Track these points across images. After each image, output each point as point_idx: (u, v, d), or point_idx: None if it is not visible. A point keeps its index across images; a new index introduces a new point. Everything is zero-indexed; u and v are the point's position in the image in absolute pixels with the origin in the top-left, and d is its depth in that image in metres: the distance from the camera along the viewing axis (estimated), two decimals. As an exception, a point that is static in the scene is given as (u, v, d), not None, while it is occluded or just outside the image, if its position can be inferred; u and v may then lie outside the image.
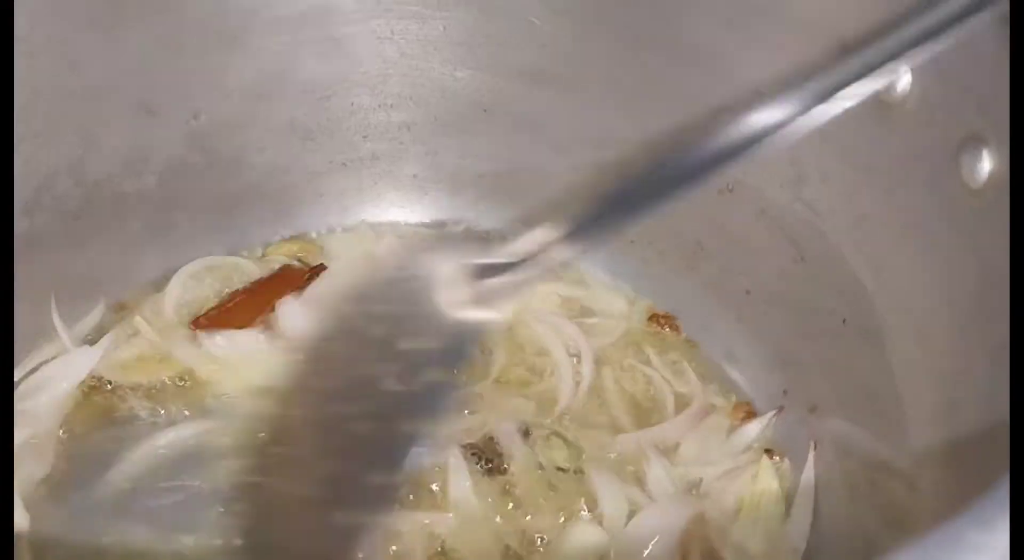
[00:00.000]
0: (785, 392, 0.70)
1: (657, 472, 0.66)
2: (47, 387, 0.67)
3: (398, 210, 0.84)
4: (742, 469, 0.67)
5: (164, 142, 0.71)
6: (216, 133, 0.73)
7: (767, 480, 0.66)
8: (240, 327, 0.72)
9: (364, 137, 0.79)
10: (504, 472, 0.66)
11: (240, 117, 0.74)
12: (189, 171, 0.74)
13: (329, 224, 0.83)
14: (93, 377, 0.69)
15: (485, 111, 0.77)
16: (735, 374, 0.74)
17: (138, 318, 0.72)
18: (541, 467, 0.67)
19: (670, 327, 0.77)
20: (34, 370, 0.68)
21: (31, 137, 0.63)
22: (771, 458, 0.68)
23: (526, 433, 0.69)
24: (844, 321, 0.62)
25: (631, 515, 0.64)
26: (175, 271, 0.76)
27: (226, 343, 0.71)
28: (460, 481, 0.64)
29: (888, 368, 0.57)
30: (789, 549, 0.63)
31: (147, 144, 0.71)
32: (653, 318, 0.78)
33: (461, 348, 0.51)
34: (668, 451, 0.69)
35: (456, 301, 0.48)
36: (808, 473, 0.65)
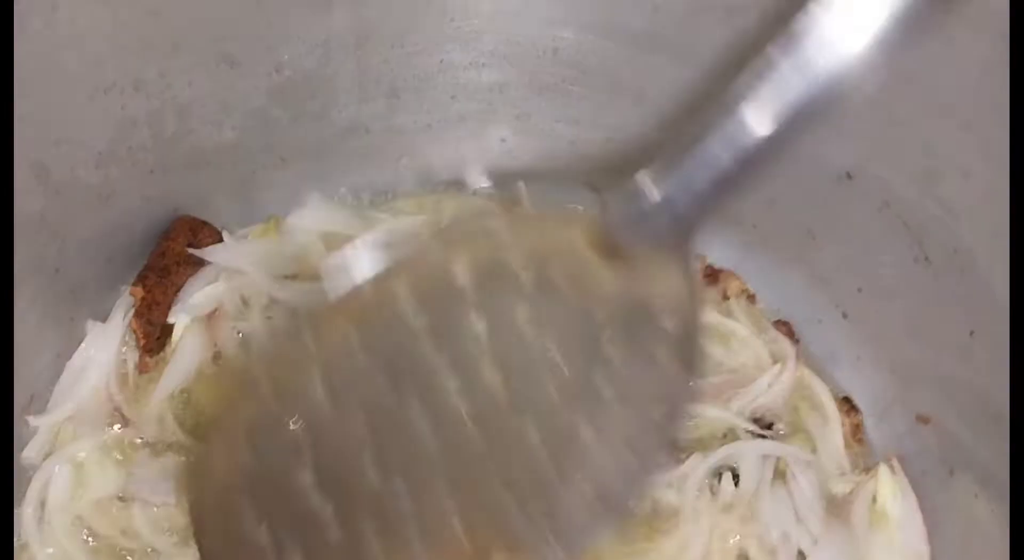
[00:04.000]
0: (892, 399, 0.65)
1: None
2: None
3: (480, 177, 0.79)
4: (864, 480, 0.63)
5: (245, 95, 0.68)
6: (298, 88, 0.69)
7: (888, 486, 0.62)
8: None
9: (452, 97, 0.74)
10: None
11: (323, 72, 0.69)
12: (270, 126, 0.70)
13: (407, 188, 0.78)
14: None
15: (584, 73, 0.71)
16: (837, 374, 0.69)
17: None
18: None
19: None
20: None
21: (108, 87, 0.59)
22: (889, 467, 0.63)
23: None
24: (972, 333, 0.56)
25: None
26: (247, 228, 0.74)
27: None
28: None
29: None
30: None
31: (228, 97, 0.67)
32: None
33: None
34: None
35: None
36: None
